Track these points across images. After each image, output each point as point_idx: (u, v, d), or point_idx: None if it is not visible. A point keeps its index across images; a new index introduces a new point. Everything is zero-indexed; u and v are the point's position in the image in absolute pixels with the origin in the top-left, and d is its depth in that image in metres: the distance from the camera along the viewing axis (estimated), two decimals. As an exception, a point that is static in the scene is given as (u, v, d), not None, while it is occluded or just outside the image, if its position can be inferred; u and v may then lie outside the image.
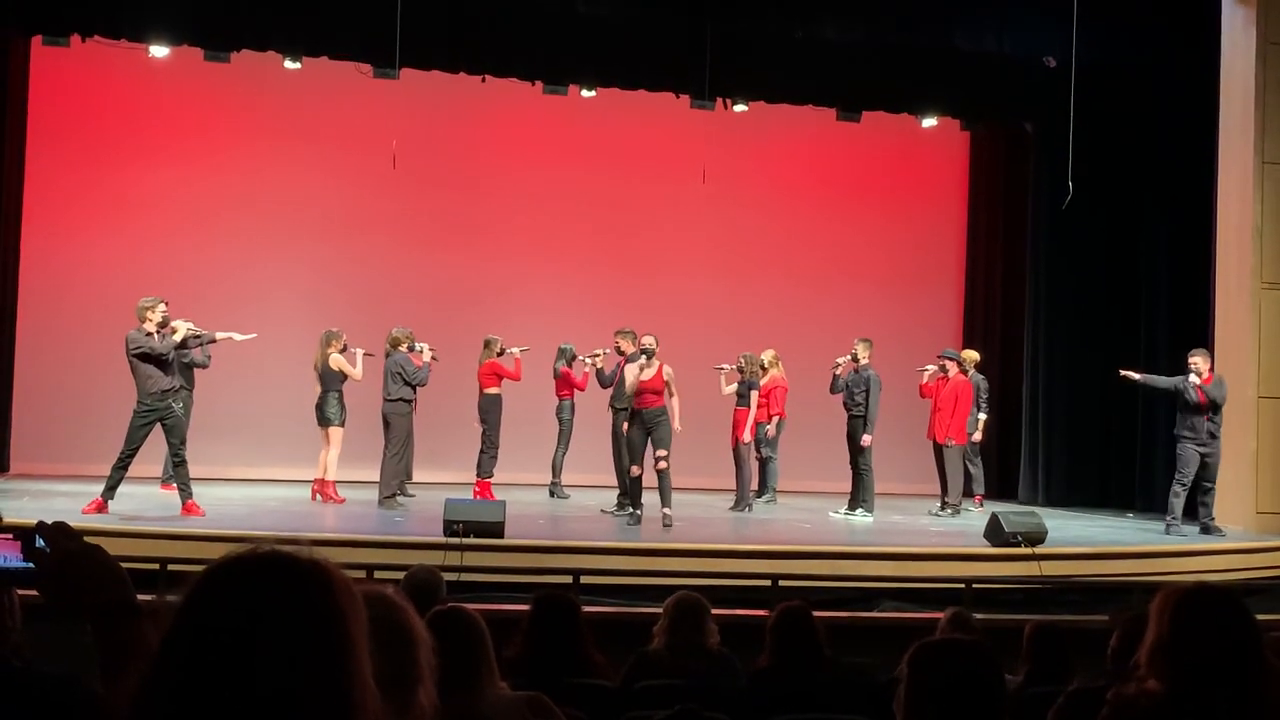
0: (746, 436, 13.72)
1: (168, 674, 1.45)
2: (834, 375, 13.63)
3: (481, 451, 13.27)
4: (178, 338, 10.84)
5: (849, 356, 13.47)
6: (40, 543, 1.98)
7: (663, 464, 11.59)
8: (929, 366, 14.45)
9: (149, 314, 10.78)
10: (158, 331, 10.76)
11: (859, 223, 17.15)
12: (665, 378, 11.69)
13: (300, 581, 1.50)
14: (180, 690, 1.43)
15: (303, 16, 13.62)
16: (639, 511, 11.64)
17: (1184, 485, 12.27)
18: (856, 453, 13.27)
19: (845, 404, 13.39)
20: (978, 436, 14.71)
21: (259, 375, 14.59)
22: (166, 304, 10.93)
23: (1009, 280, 17.00)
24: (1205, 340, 13.31)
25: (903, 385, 14.57)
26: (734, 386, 13.89)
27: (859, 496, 13.29)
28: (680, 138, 15.77)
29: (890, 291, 17.00)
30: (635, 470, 11.70)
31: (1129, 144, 15.29)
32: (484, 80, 14.60)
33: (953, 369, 14.24)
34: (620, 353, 12.71)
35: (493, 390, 13.37)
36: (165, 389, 10.78)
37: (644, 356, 11.73)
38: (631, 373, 11.77)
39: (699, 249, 16.60)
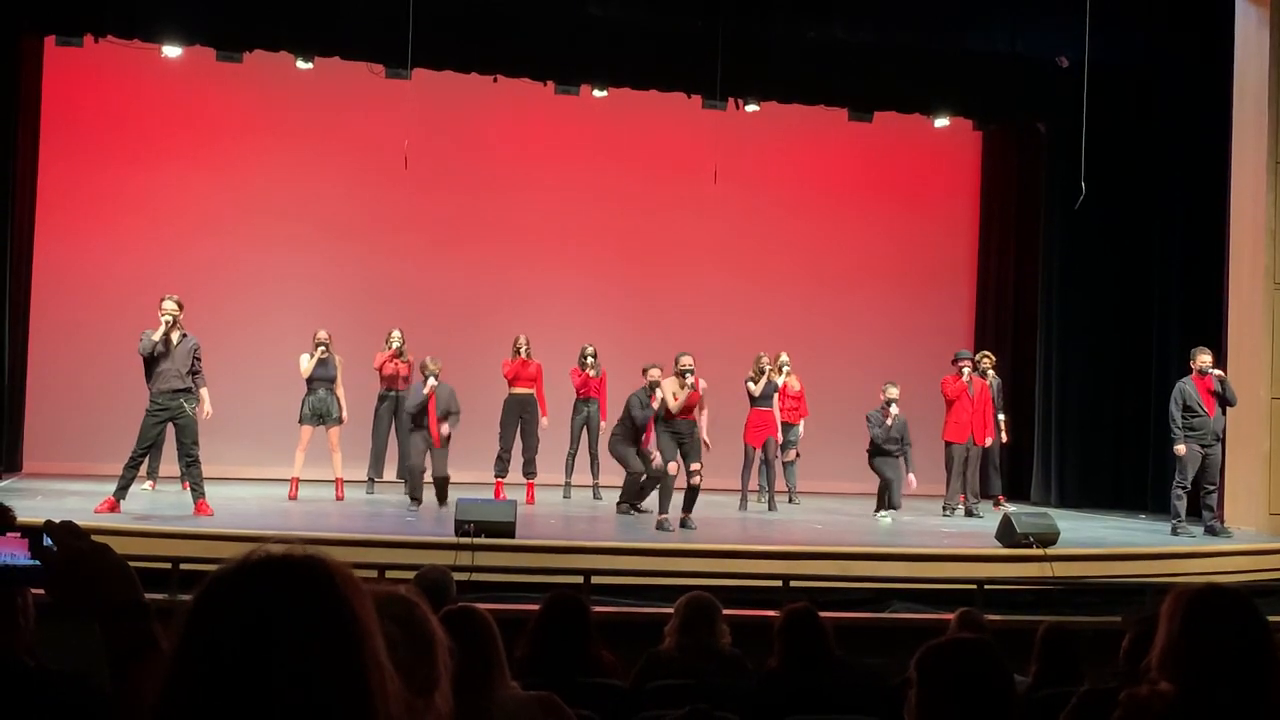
0: (780, 438, 13.96)
1: (183, 687, 1.46)
2: (885, 424, 13.30)
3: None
4: (156, 335, 10.75)
5: (887, 403, 13.34)
6: (48, 542, 1.98)
7: (697, 478, 11.56)
8: (964, 368, 14.13)
9: (159, 313, 10.82)
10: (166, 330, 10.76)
11: (871, 223, 17.14)
12: (701, 394, 11.66)
13: (299, 578, 1.51)
14: (198, 699, 1.44)
15: (315, 17, 13.64)
16: (665, 517, 11.42)
17: (1184, 487, 12.25)
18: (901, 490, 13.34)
19: (884, 444, 13.32)
20: (1004, 437, 14.78)
21: (270, 375, 14.62)
22: (177, 303, 10.90)
23: (1021, 280, 16.99)
24: (1218, 341, 13.27)
25: (914, 386, 14.53)
26: (761, 386, 13.80)
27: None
28: (692, 138, 15.75)
29: (902, 292, 17.00)
30: (674, 467, 11.56)
31: (1142, 144, 15.25)
32: (495, 80, 14.61)
33: (969, 368, 14.16)
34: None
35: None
36: (176, 388, 10.76)
37: (682, 377, 11.59)
38: (670, 389, 11.60)
39: (710, 249, 16.60)
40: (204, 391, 11.07)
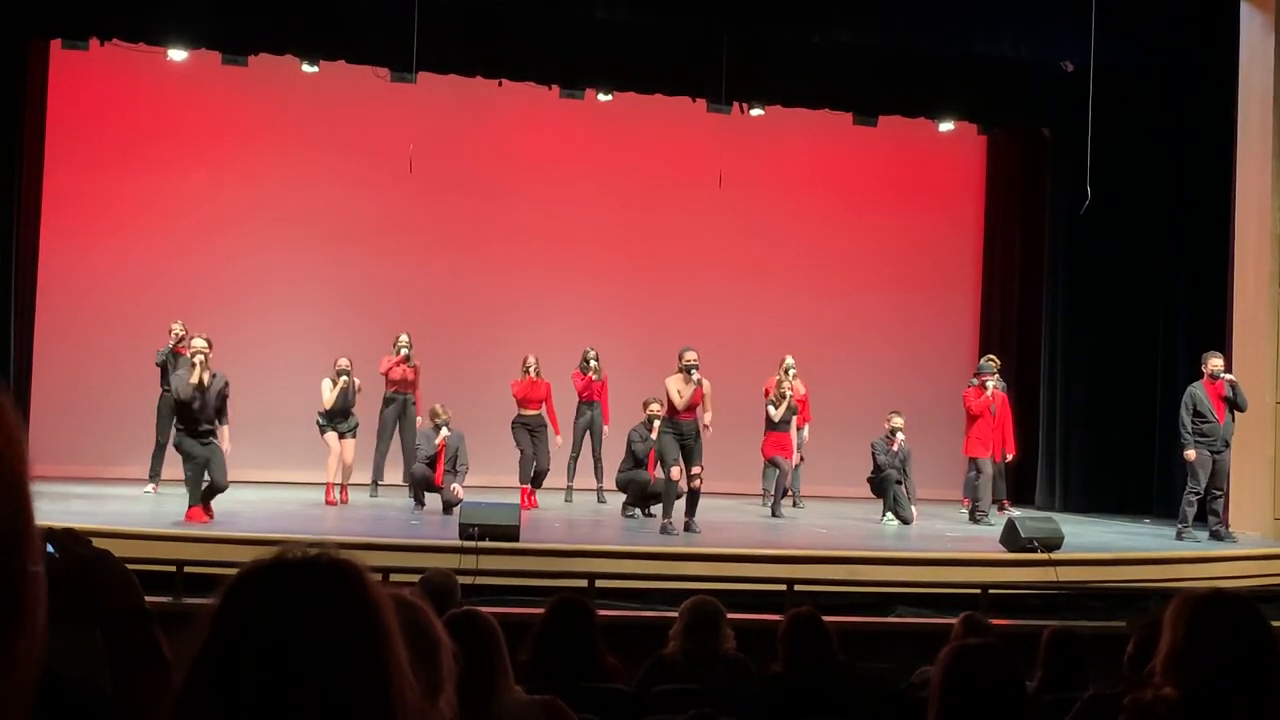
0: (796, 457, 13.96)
1: (203, 687, 1.45)
2: (890, 451, 13.28)
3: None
4: (193, 379, 10.49)
5: (891, 431, 13.31)
6: (49, 548, 1.98)
7: (698, 481, 11.49)
8: (989, 381, 13.83)
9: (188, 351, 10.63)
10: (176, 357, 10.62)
11: (875, 227, 17.11)
12: (705, 393, 11.49)
13: (326, 582, 1.50)
14: (219, 699, 1.43)
15: (320, 21, 13.65)
16: (668, 521, 11.41)
17: (1196, 493, 12.21)
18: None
19: (886, 468, 13.29)
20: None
21: (276, 378, 14.61)
22: (206, 341, 10.71)
23: (1026, 285, 16.95)
24: (1223, 345, 13.24)
25: (918, 390, 14.51)
26: (782, 411, 13.72)
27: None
28: (696, 142, 15.76)
29: (907, 296, 16.97)
30: (676, 471, 11.46)
31: (1147, 149, 15.23)
32: (500, 84, 14.61)
33: (993, 382, 13.94)
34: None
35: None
36: (203, 430, 10.56)
37: (687, 373, 11.43)
38: (675, 386, 11.47)
39: (715, 253, 16.57)
40: (226, 430, 10.87)
